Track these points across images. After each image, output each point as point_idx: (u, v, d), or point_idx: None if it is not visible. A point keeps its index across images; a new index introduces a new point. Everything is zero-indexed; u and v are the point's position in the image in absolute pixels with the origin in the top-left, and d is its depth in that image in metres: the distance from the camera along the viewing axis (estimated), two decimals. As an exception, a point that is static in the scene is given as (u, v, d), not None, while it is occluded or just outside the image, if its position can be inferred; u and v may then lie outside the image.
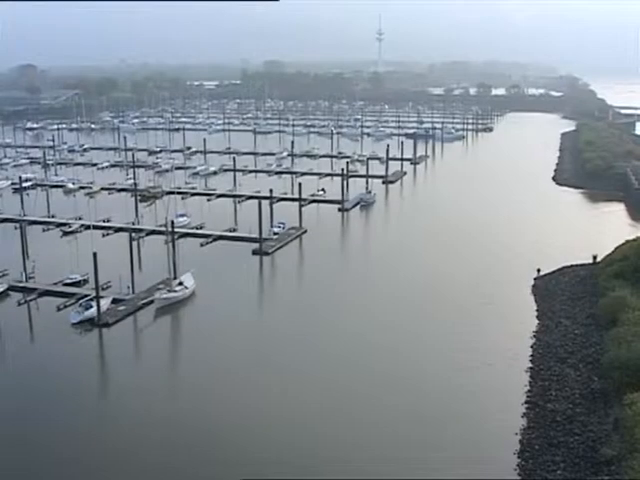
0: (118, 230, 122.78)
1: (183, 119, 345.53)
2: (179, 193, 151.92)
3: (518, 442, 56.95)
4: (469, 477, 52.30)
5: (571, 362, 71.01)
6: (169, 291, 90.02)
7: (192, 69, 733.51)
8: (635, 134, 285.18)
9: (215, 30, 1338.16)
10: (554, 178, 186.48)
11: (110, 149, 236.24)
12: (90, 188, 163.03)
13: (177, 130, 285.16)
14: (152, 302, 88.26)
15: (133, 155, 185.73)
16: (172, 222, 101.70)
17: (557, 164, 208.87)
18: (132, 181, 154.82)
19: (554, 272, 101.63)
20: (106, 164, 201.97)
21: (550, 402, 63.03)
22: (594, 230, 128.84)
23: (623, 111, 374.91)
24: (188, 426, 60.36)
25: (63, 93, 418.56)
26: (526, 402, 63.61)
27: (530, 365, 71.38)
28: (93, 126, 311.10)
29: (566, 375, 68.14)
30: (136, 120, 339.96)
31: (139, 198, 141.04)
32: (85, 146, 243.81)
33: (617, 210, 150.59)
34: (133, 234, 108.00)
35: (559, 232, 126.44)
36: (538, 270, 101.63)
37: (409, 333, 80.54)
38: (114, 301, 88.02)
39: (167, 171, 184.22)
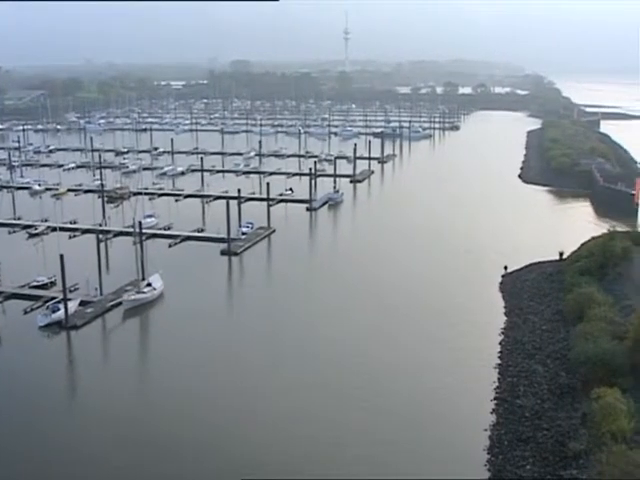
0: (85, 232, 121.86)
1: (150, 119, 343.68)
2: (147, 194, 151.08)
3: (487, 438, 57.37)
4: (439, 476, 52.48)
5: (539, 358, 71.62)
6: (137, 292, 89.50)
7: (159, 69, 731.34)
8: (599, 131, 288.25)
9: (181, 29, 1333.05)
10: (520, 176, 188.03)
11: (76, 150, 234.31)
12: (56, 190, 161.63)
13: (144, 130, 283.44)
14: (120, 304, 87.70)
15: (100, 156, 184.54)
16: (140, 223, 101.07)
17: (523, 162, 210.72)
18: (99, 182, 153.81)
19: (521, 269, 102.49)
20: (72, 165, 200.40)
21: (519, 398, 63.53)
22: (560, 227, 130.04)
23: (588, 109, 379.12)
24: (157, 426, 60.12)
25: (28, 94, 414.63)
26: (495, 398, 64.06)
27: (498, 362, 71.90)
28: (59, 127, 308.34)
29: (534, 371, 68.70)
30: (102, 121, 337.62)
31: (106, 199, 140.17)
32: (51, 147, 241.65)
33: (582, 207, 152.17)
34: (100, 235, 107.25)
35: (526, 229, 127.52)
36: (505, 267, 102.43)
37: (378, 332, 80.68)
38: (82, 303, 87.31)
39: (134, 172, 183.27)
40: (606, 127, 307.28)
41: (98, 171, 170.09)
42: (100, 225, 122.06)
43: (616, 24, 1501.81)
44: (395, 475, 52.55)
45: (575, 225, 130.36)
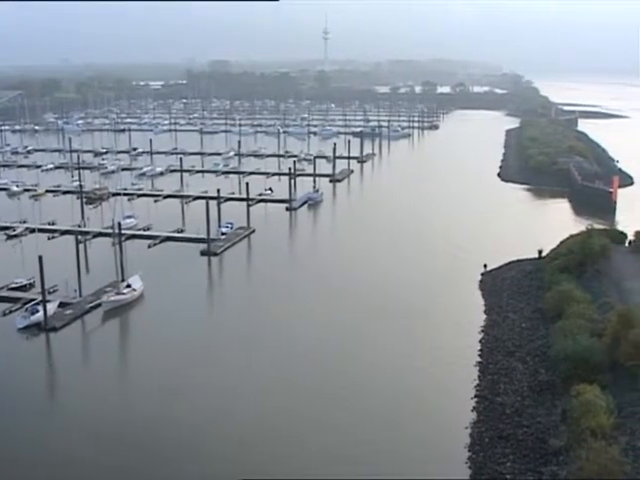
0: (64, 233, 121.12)
1: (129, 120, 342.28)
2: (126, 194, 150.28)
3: (468, 436, 57.54)
4: (420, 474, 52.61)
5: (519, 355, 71.97)
6: (117, 294, 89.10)
7: (137, 69, 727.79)
8: (577, 130, 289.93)
9: (160, 29, 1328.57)
10: (499, 174, 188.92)
11: (54, 151, 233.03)
12: (35, 191, 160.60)
13: (123, 131, 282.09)
14: (100, 305, 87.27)
15: (78, 157, 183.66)
16: (119, 224, 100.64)
17: (502, 161, 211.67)
18: (77, 183, 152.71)
19: (501, 267, 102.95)
20: (51, 166, 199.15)
21: (499, 395, 63.80)
22: (539, 225, 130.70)
23: (565, 108, 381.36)
24: (138, 426, 59.95)
25: (5, 94, 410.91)
26: (475, 396, 64.29)
27: (479, 359, 72.16)
28: (37, 127, 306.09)
29: (514, 368, 69.02)
30: (81, 121, 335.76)
31: (85, 200, 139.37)
32: (29, 148, 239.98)
33: (561, 205, 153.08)
34: (79, 237, 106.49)
35: (505, 228, 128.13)
36: (485, 266, 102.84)
37: (358, 331, 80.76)
38: (61, 305, 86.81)
39: (113, 172, 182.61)
40: (584, 126, 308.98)
41: (77, 172, 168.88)
42: (79, 226, 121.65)
43: (593, 24, 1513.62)
44: (376, 475, 52.60)
45: (554, 223, 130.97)
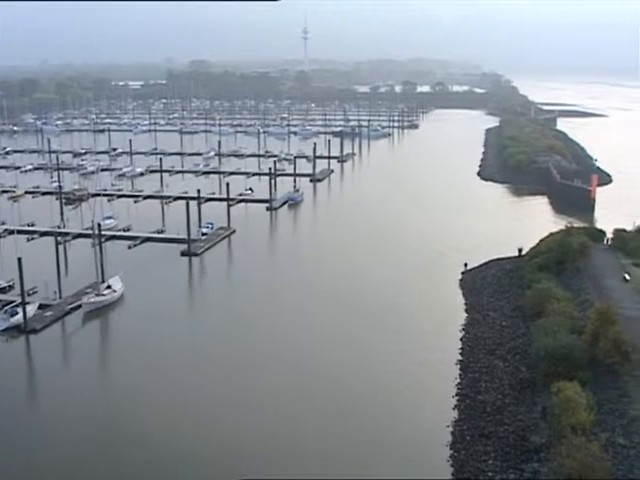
0: (43, 234, 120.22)
1: (108, 120, 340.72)
2: (105, 195, 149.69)
3: (450, 434, 57.77)
4: (403, 473, 52.74)
5: (499, 353, 72.29)
6: (97, 295, 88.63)
7: (116, 69, 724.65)
8: (556, 129, 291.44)
9: (139, 29, 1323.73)
10: (479, 173, 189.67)
11: (33, 152, 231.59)
12: (13, 192, 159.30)
13: (102, 131, 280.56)
14: (80, 307, 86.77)
15: (57, 157, 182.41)
16: (99, 225, 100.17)
17: (482, 160, 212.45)
18: (57, 184, 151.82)
19: (481, 266, 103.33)
20: (29, 167, 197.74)
21: (480, 393, 64.08)
22: (519, 223, 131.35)
23: (545, 107, 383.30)
24: (119, 428, 59.69)
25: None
26: (457, 394, 64.51)
27: (460, 358, 72.43)
28: (15, 128, 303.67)
29: (495, 366, 69.33)
30: (60, 122, 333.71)
31: (64, 201, 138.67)
32: (7, 149, 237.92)
33: (540, 204, 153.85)
34: (59, 238, 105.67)
35: (485, 226, 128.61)
36: (465, 264, 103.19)
37: (338, 331, 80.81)
38: (41, 307, 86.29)
39: (92, 173, 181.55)
40: (563, 124, 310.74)
41: (56, 173, 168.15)
42: (58, 227, 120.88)
43: (573, 24, 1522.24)
44: (359, 475, 52.62)
45: (533, 221, 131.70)
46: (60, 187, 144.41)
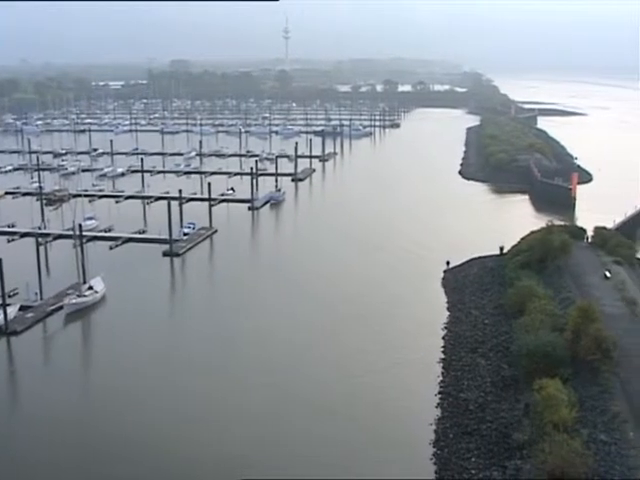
0: (24, 235, 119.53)
1: (89, 120, 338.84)
2: (86, 196, 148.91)
3: (433, 432, 57.93)
4: (386, 472, 52.84)
5: (482, 351, 72.56)
6: (79, 296, 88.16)
7: (96, 69, 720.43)
8: (537, 128, 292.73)
9: (119, 29, 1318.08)
10: (460, 172, 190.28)
11: (13, 152, 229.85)
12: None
13: (83, 131, 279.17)
14: (61, 308, 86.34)
15: (38, 158, 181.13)
16: (80, 225, 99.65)
17: (463, 158, 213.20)
18: (37, 184, 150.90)
19: (463, 264, 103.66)
20: (9, 168, 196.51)
21: (463, 391, 64.30)
22: (500, 222, 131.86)
23: (525, 106, 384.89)
24: (100, 430, 59.47)
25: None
26: (440, 393, 64.69)
27: (442, 356, 72.64)
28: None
29: (477, 364, 69.58)
30: (40, 122, 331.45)
31: (45, 202, 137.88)
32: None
33: (521, 202, 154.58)
34: (40, 239, 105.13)
35: (466, 225, 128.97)
36: (447, 263, 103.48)
37: (322, 331, 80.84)
38: (22, 308, 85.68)
39: (73, 173, 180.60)
40: (543, 123, 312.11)
41: (36, 173, 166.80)
42: (39, 228, 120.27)
43: (553, 23, 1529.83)
44: (343, 475, 52.60)
45: (514, 220, 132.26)
46: (40, 188, 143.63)
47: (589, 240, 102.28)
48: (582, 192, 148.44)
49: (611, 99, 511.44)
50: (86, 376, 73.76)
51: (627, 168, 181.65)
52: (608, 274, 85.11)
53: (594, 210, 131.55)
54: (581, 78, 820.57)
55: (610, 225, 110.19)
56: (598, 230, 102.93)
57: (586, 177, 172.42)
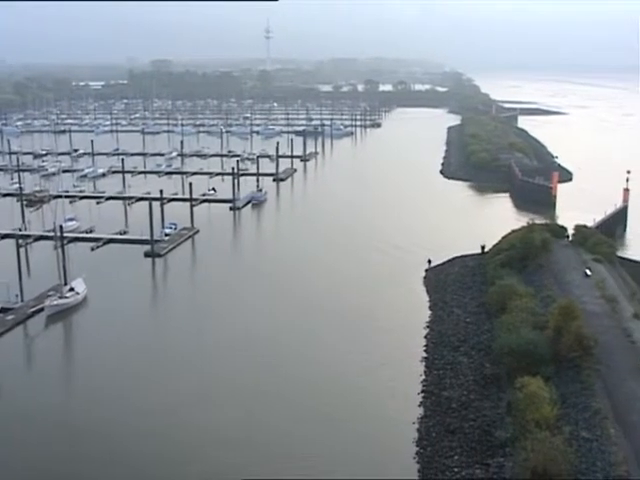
0: (4, 237, 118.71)
1: (69, 121, 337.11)
2: (67, 197, 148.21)
3: (416, 431, 58.02)
4: (369, 471, 52.87)
5: (464, 350, 72.81)
6: (60, 297, 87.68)
7: (76, 69, 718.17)
8: (517, 127, 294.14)
9: (98, 29, 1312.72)
10: (442, 171, 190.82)
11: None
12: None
13: (63, 132, 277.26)
14: (42, 310, 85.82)
15: (18, 159, 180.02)
16: (60, 227, 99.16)
17: (444, 157, 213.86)
18: (17, 185, 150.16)
19: (444, 263, 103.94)
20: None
21: (445, 390, 64.48)
22: (482, 221, 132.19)
23: (506, 105, 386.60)
24: (83, 430, 59.19)
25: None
26: (422, 391, 64.80)
27: (425, 355, 72.75)
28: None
29: (459, 363, 69.81)
30: (20, 122, 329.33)
31: (25, 203, 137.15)
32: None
33: (503, 201, 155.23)
34: (20, 240, 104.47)
35: (448, 224, 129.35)
36: (429, 261, 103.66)
37: (304, 331, 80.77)
38: (2, 310, 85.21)
39: (54, 174, 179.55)
40: (524, 122, 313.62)
41: (16, 174, 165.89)
42: (19, 230, 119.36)
43: (535, 23, 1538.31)
44: (327, 475, 52.60)
45: (496, 219, 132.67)
46: (21, 189, 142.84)
47: (570, 238, 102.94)
48: (563, 191, 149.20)
49: (590, 98, 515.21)
50: (68, 377, 73.41)
51: (607, 167, 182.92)
52: (589, 272, 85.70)
53: (574, 208, 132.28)
54: (560, 77, 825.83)
55: (590, 223, 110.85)
56: (578, 228, 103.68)
57: (566, 176, 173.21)
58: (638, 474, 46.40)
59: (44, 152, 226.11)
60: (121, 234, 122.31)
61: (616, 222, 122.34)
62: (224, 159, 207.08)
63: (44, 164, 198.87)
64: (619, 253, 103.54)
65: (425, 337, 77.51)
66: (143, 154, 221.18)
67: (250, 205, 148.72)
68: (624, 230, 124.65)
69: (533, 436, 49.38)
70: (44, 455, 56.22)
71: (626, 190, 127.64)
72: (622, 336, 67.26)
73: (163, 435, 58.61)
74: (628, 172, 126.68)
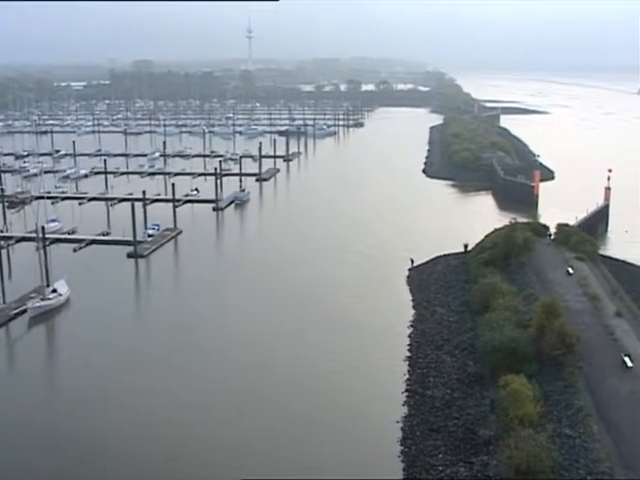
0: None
1: (51, 121, 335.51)
2: (49, 198, 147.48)
3: (400, 430, 58.08)
4: (353, 471, 52.91)
5: (447, 349, 73.00)
6: (42, 299, 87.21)
7: (57, 69, 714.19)
8: (499, 126, 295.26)
9: (80, 29, 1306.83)
10: (424, 171, 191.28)
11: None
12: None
13: (45, 133, 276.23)
14: (25, 311, 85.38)
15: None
16: (42, 228, 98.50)
17: (427, 157, 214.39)
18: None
19: (427, 262, 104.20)
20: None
21: (429, 389, 64.62)
22: (464, 220, 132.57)
23: (488, 104, 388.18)
24: (65, 433, 58.96)
25: None
26: (406, 390, 64.87)
27: (408, 354, 72.86)
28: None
29: (443, 361, 69.99)
30: (1, 123, 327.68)
31: (7, 204, 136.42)
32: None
33: (485, 199, 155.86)
34: (1, 242, 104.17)
35: (431, 223, 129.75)
36: (412, 261, 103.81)
37: (286, 331, 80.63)
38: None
39: (35, 175, 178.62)
40: (506, 121, 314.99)
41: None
42: (1, 231, 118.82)
43: (513, 22, 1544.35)
44: (313, 475, 52.59)
45: (478, 217, 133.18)
46: (2, 190, 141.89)
47: (552, 237, 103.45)
48: (545, 189, 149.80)
49: (570, 97, 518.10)
50: (51, 378, 73.09)
51: (588, 165, 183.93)
52: (571, 270, 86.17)
53: (556, 207, 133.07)
54: (543, 77, 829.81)
55: (572, 222, 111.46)
56: (560, 227, 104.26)
57: (548, 175, 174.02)
58: (620, 470, 46.71)
59: (25, 153, 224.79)
60: (104, 235, 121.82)
61: (598, 220, 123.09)
62: (207, 159, 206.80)
63: (25, 165, 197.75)
64: (601, 251, 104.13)
65: (409, 336, 77.64)
66: (125, 155, 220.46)
67: (233, 205, 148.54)
68: (606, 228, 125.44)
69: (517, 434, 49.60)
70: (26, 456, 55.93)
71: (607, 189, 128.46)
72: (604, 333, 67.65)
73: (146, 435, 58.46)
74: (609, 171, 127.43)
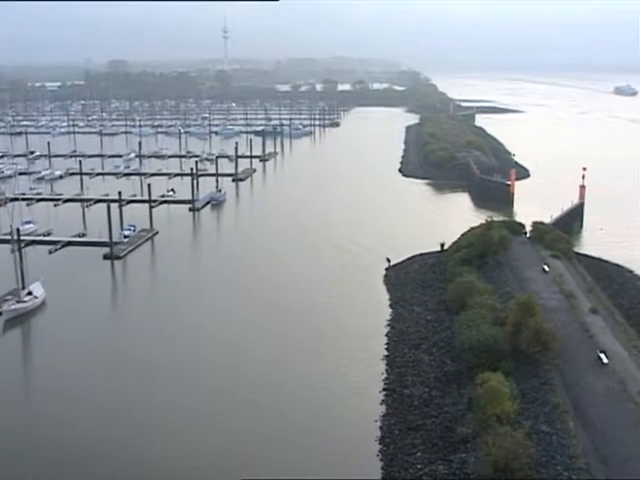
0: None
1: (25, 122, 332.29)
2: (24, 199, 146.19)
3: (378, 429, 58.22)
4: (331, 470, 52.95)
5: (425, 347, 73.20)
6: (18, 302, 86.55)
7: (31, 70, 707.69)
8: (475, 125, 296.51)
9: (54, 29, 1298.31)
10: (400, 170, 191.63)
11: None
12: None
13: (19, 134, 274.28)
14: (0, 314, 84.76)
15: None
16: (17, 230, 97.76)
17: (403, 156, 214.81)
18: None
19: (404, 261, 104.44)
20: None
21: (407, 387, 64.78)
22: (441, 218, 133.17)
23: (463, 104, 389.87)
24: (39, 435, 58.59)
25: None
26: (384, 389, 65.02)
27: (386, 353, 73.02)
28: None
29: (420, 360, 70.18)
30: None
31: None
32: None
33: (461, 198, 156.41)
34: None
35: (407, 222, 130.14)
36: (388, 260, 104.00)
37: (264, 331, 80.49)
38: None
39: (10, 177, 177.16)
40: (481, 121, 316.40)
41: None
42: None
43: (489, 22, 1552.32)
44: (298, 475, 52.52)
45: (455, 216, 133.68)
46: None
47: (528, 235, 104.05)
48: (520, 188, 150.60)
49: (545, 97, 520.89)
50: (26, 381, 72.54)
51: (562, 164, 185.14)
52: (546, 268, 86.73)
53: (532, 205, 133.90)
54: (519, 76, 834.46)
55: (547, 220, 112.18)
56: (536, 225, 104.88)
57: (524, 173, 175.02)
58: (597, 466, 47.09)
59: (0, 154, 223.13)
60: (79, 236, 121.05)
61: (572, 218, 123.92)
62: (183, 160, 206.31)
63: (0, 166, 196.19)
64: (576, 249, 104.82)
65: (386, 335, 77.80)
66: (101, 155, 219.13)
67: (209, 205, 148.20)
68: (580, 226, 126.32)
69: (494, 431, 49.88)
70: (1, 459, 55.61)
71: (582, 187, 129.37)
72: (580, 331, 68.15)
73: (122, 438, 58.20)
74: (584, 169, 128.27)
